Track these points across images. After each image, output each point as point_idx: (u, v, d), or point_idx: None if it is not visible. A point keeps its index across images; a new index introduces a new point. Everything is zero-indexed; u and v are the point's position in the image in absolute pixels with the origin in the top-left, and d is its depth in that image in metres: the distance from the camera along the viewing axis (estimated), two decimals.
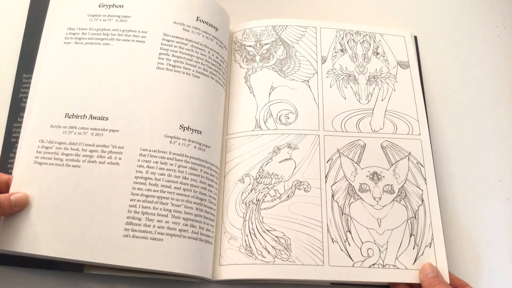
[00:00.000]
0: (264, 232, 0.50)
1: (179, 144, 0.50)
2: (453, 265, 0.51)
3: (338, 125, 0.55)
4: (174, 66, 0.53)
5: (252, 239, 0.50)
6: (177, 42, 0.54)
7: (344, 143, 0.54)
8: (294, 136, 0.55)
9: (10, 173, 0.50)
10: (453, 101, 0.61)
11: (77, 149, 0.49)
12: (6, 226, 0.46)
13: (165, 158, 0.49)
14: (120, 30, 0.54)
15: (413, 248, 0.50)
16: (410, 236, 0.50)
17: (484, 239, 0.54)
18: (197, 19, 0.56)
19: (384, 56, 0.60)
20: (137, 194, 0.47)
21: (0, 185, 0.47)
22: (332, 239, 0.50)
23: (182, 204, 0.48)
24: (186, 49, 0.54)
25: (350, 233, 0.50)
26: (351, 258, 0.49)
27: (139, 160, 0.48)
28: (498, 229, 0.54)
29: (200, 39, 0.55)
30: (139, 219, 0.46)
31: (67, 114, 0.50)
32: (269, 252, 0.49)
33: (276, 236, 0.50)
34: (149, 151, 0.49)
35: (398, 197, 0.52)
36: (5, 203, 0.45)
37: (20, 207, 0.46)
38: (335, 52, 0.60)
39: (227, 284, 0.50)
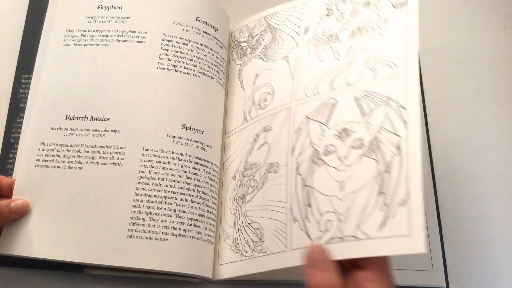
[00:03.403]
0: (247, 226, 0.48)
1: (181, 143, 0.50)
2: (453, 265, 0.51)
3: (310, 91, 0.49)
4: (175, 66, 0.52)
5: (239, 235, 0.49)
6: (177, 42, 0.54)
7: (314, 107, 0.47)
8: (269, 117, 0.51)
9: (10, 174, 0.50)
10: (453, 101, 0.61)
11: (79, 151, 0.48)
12: (10, 230, 0.46)
13: (168, 158, 0.49)
14: (119, 31, 0.53)
15: (380, 209, 0.39)
16: (378, 195, 0.40)
17: (484, 239, 0.54)
18: (196, 19, 0.55)
19: (376, 4, 0.51)
20: (140, 194, 0.47)
21: (4, 188, 0.47)
22: (293, 218, 0.44)
23: (186, 204, 0.48)
24: (186, 49, 0.54)
25: (310, 207, 0.43)
26: (309, 237, 0.42)
27: (141, 160, 0.48)
28: (498, 229, 0.54)
29: (200, 39, 0.55)
30: (143, 219, 0.46)
31: (67, 116, 0.50)
32: (249, 246, 0.47)
33: (254, 228, 0.48)
34: (152, 151, 0.49)
35: (368, 150, 0.42)
36: (5, 210, 0.45)
37: (20, 214, 0.46)
38: (320, 18, 0.53)
39: (227, 284, 0.50)
